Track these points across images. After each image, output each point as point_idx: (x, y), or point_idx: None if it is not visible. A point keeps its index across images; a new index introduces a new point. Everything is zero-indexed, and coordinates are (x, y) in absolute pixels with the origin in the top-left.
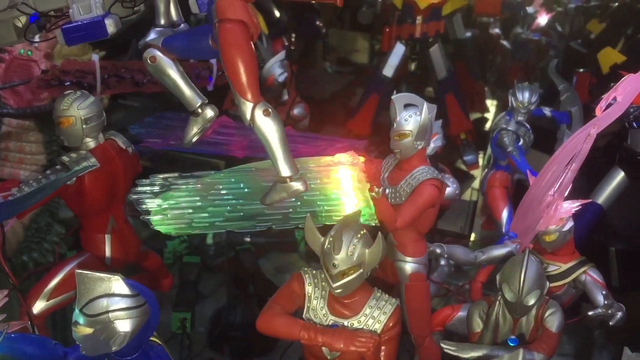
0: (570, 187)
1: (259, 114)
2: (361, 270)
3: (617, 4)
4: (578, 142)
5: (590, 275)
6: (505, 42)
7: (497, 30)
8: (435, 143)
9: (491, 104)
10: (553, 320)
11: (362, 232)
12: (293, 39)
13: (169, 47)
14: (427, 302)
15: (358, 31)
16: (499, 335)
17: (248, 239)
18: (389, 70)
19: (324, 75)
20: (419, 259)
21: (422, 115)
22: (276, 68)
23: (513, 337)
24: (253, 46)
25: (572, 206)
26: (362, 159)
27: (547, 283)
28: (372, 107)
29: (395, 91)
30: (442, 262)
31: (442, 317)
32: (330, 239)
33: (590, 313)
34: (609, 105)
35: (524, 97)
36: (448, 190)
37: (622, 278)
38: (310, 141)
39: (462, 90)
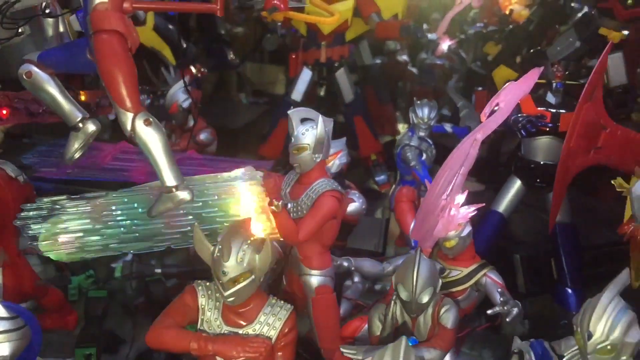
0: (461, 189)
1: (139, 123)
2: (252, 276)
3: (511, 26)
4: (466, 148)
5: (490, 277)
6: (413, 69)
7: (404, 57)
8: (340, 160)
9: (402, 127)
10: (448, 317)
11: (251, 239)
12: (203, 70)
13: (46, 62)
14: (335, 315)
15: (274, 64)
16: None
17: (159, 270)
18: (297, 94)
19: (239, 106)
20: (324, 271)
21: (318, 129)
22: (179, 94)
23: (412, 337)
24: (131, 57)
25: (469, 211)
26: (260, 173)
27: (440, 281)
28: (283, 132)
29: None
30: (356, 279)
31: (352, 328)
32: (219, 246)
33: (489, 312)
34: (493, 112)
35: (424, 113)
36: (355, 205)
37: (527, 283)
38: (214, 163)
39: (372, 114)
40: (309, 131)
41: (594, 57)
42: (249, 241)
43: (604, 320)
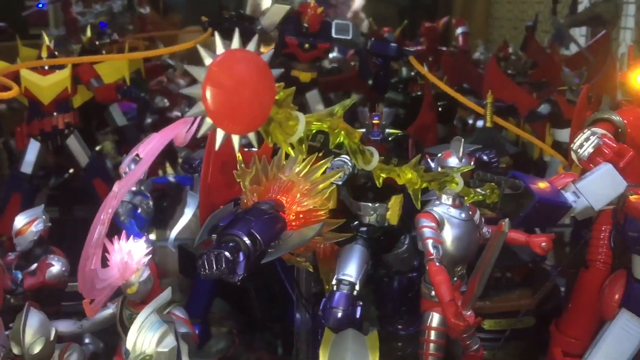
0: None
1: None
2: None
3: None
4: (109, 199)
5: (175, 314)
6: None
7: (177, 113)
8: (36, 227)
9: None
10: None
11: None
12: None
13: None
14: None
15: None
16: None
17: None
18: (27, 167)
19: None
20: None
21: None
22: None
23: None
24: None
25: (142, 256)
26: None
27: (54, 330)
28: (17, 207)
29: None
30: (87, 340)
31: None
32: None
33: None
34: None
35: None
36: (55, 269)
37: (262, 311)
38: None
39: None
40: None
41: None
42: None
43: (139, 336)
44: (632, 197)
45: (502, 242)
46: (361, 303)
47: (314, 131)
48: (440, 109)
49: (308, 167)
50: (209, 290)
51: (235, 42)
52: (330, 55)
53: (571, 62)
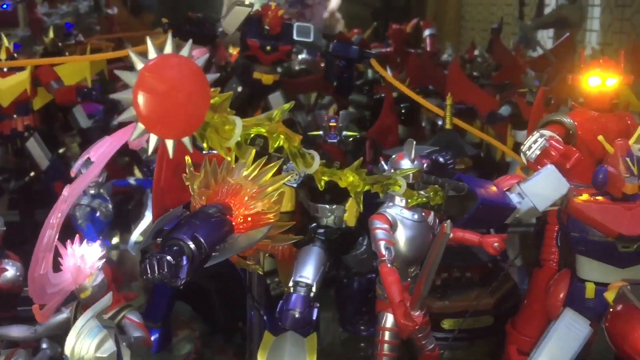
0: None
1: None
2: None
3: None
4: (60, 203)
5: (129, 318)
6: None
7: None
8: None
9: None
10: None
11: None
12: None
13: None
14: None
15: None
16: None
17: None
18: None
19: None
20: None
21: None
22: None
23: None
24: None
25: (95, 261)
26: None
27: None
28: None
29: None
30: (44, 345)
31: None
32: None
33: None
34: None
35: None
36: (10, 274)
37: (225, 314)
38: None
39: None
40: None
41: (256, 99)
42: None
43: (77, 341)
44: (575, 199)
45: (445, 243)
46: (318, 305)
47: (252, 135)
48: (403, 111)
49: (257, 170)
50: (169, 293)
51: (168, 47)
52: (300, 57)
53: (536, 64)
